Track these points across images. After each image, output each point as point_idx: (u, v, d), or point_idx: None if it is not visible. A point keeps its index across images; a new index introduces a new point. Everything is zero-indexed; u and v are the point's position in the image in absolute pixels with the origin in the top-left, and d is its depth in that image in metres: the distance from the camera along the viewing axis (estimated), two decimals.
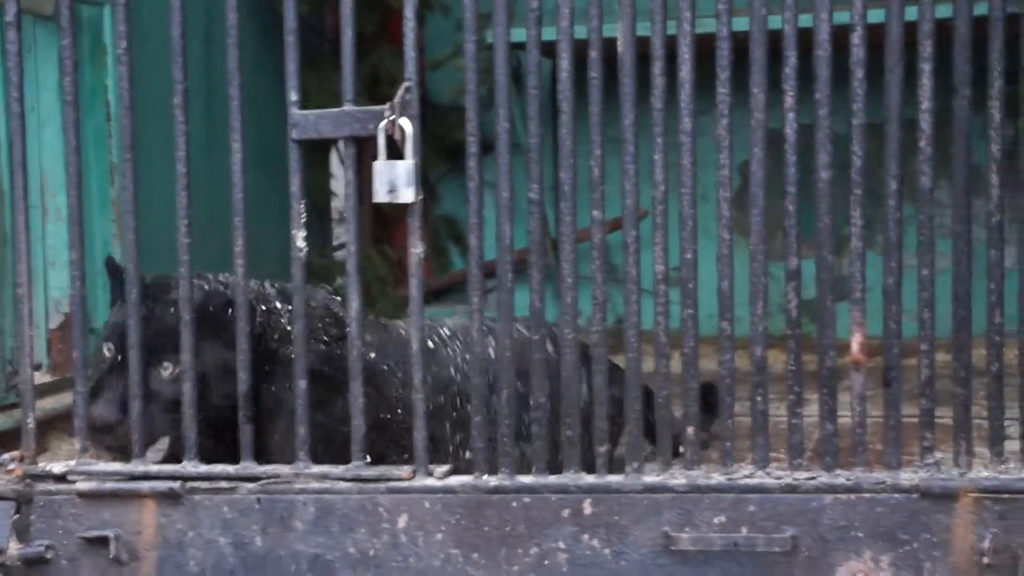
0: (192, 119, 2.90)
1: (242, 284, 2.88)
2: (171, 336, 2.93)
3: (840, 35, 2.67)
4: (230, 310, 2.98)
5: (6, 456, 2.96)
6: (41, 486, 2.95)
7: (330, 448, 3.01)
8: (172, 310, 2.99)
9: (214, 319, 3.03)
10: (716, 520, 2.73)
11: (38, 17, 4.15)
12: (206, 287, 3.08)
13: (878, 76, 2.69)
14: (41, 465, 2.97)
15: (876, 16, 2.67)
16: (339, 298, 3.30)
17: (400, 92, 2.78)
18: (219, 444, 3.02)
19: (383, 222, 6.26)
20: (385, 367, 3.25)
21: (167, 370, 3.03)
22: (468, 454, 3.19)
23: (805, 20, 2.67)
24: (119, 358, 2.99)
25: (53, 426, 4.10)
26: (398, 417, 3.22)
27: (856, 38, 2.68)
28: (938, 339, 2.74)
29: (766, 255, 2.76)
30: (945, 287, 2.72)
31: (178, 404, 2.95)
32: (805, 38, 2.68)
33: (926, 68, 2.67)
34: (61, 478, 2.95)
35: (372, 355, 3.19)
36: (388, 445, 3.20)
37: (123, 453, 3.01)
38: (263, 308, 3.12)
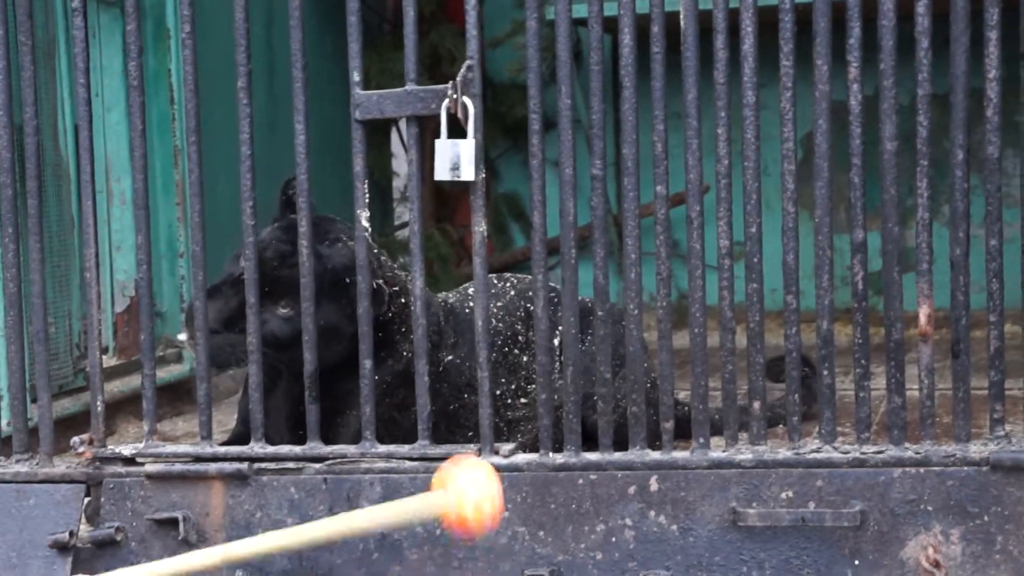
0: (255, 101, 2.91)
1: (307, 264, 2.89)
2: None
3: (905, 4, 2.64)
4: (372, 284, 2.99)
5: (76, 439, 2.99)
6: (110, 468, 2.98)
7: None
8: (319, 259, 3.01)
9: (345, 288, 3.05)
10: (783, 495, 2.72)
11: (102, 3, 4.18)
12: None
13: (943, 45, 2.66)
14: (110, 448, 3.00)
15: None
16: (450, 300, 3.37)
17: (462, 71, 2.78)
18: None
19: (444, 200, 6.27)
20: (458, 360, 3.27)
21: (284, 308, 3.04)
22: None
23: None
24: None
25: (120, 409, 4.13)
26: (464, 401, 3.23)
27: (921, 7, 2.65)
28: (1006, 310, 2.71)
29: (831, 228, 2.74)
30: (1013, 257, 2.70)
31: (281, 342, 3.01)
32: (869, 8, 2.65)
33: (992, 36, 2.64)
34: (130, 460, 2.98)
35: (448, 357, 3.22)
36: (454, 431, 3.22)
37: (214, 365, 3.05)
38: (399, 297, 3.15)
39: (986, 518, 2.66)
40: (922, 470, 2.68)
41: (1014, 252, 2.70)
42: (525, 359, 3.38)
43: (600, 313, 2.82)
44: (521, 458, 2.85)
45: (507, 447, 2.87)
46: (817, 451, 2.74)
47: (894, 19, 2.66)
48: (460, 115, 2.77)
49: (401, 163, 6.40)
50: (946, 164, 2.70)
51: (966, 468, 2.67)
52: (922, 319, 2.69)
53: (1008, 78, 2.65)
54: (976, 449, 2.68)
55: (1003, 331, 2.70)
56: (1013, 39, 2.65)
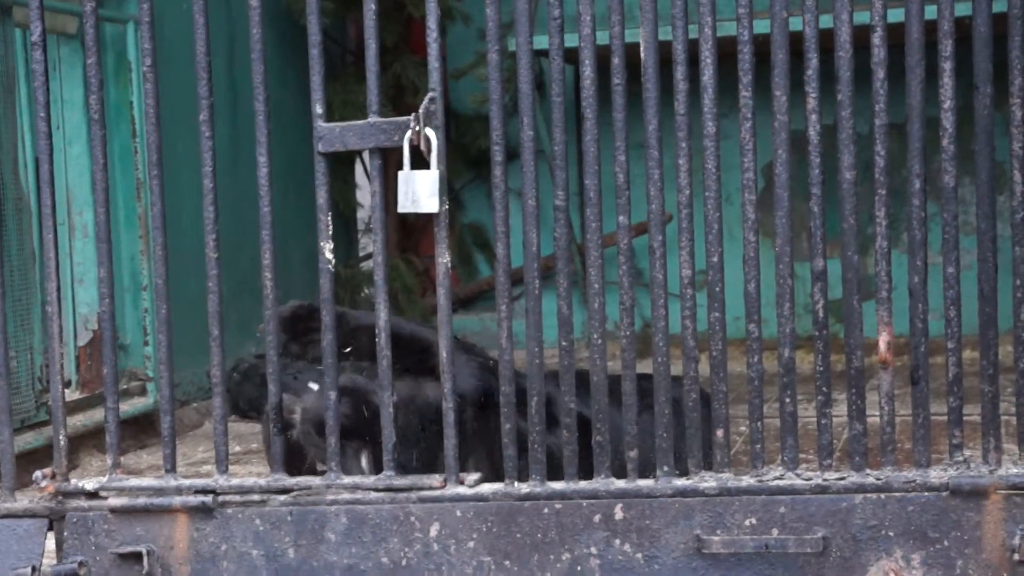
0: (217, 134, 2.92)
1: (271, 295, 2.89)
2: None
3: (861, 36, 2.68)
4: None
5: (38, 473, 2.98)
6: (73, 503, 2.97)
7: None
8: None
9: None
10: (747, 522, 2.74)
11: (62, 36, 4.18)
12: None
13: (899, 76, 2.69)
14: (73, 482, 2.99)
15: (896, 16, 2.67)
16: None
17: (425, 103, 2.79)
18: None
19: (408, 231, 6.28)
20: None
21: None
22: None
23: (826, 21, 2.68)
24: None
25: (83, 442, 4.12)
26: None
27: (876, 38, 2.68)
28: (965, 336, 2.74)
29: (792, 256, 2.76)
30: (971, 284, 2.72)
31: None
32: (826, 39, 2.68)
33: (947, 67, 2.67)
34: (93, 494, 2.97)
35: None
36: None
37: None
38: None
39: (946, 543, 2.68)
40: (883, 496, 2.70)
41: (971, 279, 2.73)
42: None
43: (563, 343, 2.83)
44: (487, 488, 2.85)
45: (472, 477, 2.87)
46: (780, 478, 2.75)
47: (851, 50, 2.69)
48: (423, 147, 2.78)
49: (365, 194, 6.41)
50: (904, 193, 2.73)
51: (926, 493, 2.69)
52: (882, 346, 2.72)
53: (963, 108, 2.68)
54: (936, 475, 2.70)
55: (961, 357, 2.72)
56: (967, 69, 2.68)
